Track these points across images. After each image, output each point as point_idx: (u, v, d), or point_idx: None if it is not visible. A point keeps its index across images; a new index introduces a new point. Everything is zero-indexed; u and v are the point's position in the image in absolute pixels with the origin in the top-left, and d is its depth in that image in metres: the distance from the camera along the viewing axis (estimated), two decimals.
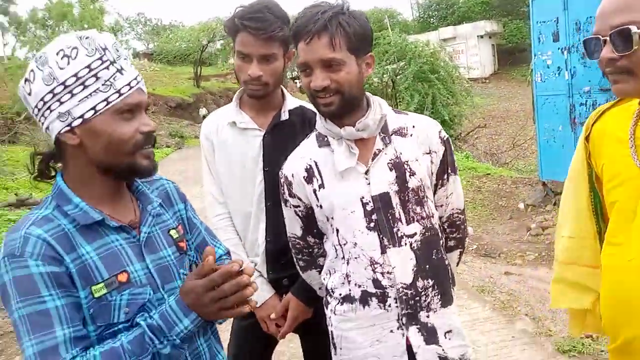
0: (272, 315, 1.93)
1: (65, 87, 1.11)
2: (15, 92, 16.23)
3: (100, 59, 1.13)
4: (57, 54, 1.12)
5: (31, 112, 1.18)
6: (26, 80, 1.15)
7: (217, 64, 33.19)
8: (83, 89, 1.12)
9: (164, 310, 1.15)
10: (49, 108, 1.13)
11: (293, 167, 1.64)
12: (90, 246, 1.16)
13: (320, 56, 1.46)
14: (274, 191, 1.89)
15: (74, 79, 1.11)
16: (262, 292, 1.95)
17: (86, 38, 1.14)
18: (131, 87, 1.17)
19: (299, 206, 1.66)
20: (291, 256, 1.92)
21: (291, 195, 1.66)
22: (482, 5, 32.26)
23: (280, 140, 1.91)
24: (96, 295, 1.14)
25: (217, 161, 1.99)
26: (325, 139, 1.60)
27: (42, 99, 1.13)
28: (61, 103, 1.12)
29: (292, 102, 2.00)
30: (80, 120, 1.13)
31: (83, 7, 17.27)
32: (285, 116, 1.95)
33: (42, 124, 1.16)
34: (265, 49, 1.79)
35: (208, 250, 1.17)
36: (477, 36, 28.72)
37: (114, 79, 1.14)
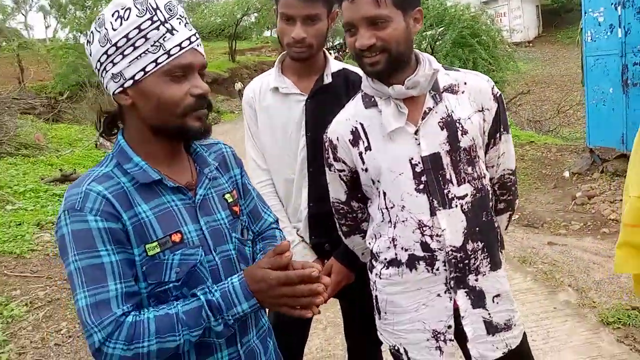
0: None
1: (117, 48, 1.11)
2: (58, 72, 16.83)
3: (150, 19, 1.11)
4: (112, 15, 1.11)
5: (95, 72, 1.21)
6: (87, 42, 1.17)
7: (251, 38, 33.18)
8: (133, 50, 1.11)
9: (226, 289, 1.14)
10: (104, 69, 1.14)
11: (338, 129, 1.59)
12: (147, 205, 1.16)
13: (364, 13, 1.39)
14: (317, 157, 1.87)
15: (125, 40, 1.11)
16: (305, 257, 1.95)
17: None
18: (182, 48, 1.13)
19: (343, 170, 1.62)
20: (333, 221, 1.90)
21: (336, 159, 1.61)
22: None
23: (323, 104, 1.87)
24: (150, 253, 1.15)
25: (259, 127, 1.97)
26: (372, 99, 1.54)
27: (98, 60, 1.15)
28: (114, 64, 1.13)
29: (334, 65, 1.95)
30: (131, 81, 1.13)
31: None
32: (328, 79, 1.90)
33: (103, 84, 1.19)
34: (309, 10, 1.74)
35: (284, 245, 1.16)
36: None
37: (163, 39, 1.11)
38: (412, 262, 1.53)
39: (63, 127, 12.99)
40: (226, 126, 15.16)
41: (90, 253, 1.08)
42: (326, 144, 1.62)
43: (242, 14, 28.82)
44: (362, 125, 1.55)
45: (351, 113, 1.58)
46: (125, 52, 1.11)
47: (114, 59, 1.12)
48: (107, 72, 1.14)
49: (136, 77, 1.12)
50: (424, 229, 1.50)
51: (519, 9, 27.42)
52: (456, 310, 1.53)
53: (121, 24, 1.10)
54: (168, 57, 1.12)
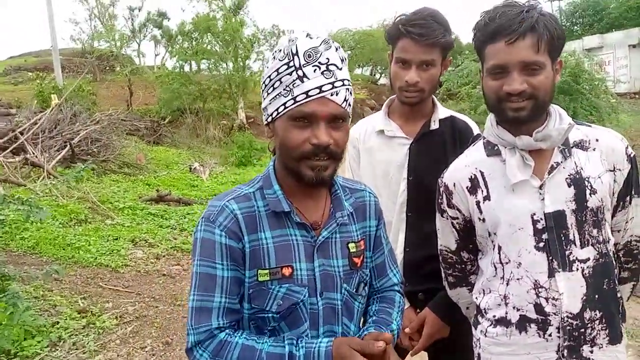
0: (407, 330, 1.84)
1: (265, 86, 1.22)
2: (163, 98, 18.01)
3: (287, 64, 1.16)
4: (273, 53, 1.20)
5: None
6: None
7: None
8: (272, 90, 1.20)
9: (311, 351, 1.15)
10: (263, 99, 1.25)
11: (455, 175, 1.54)
12: (271, 232, 1.22)
13: (522, 58, 1.34)
14: (416, 201, 1.84)
15: (269, 80, 1.20)
16: None
17: (291, 41, 1.18)
18: (309, 96, 1.15)
19: (457, 218, 1.56)
20: (430, 270, 1.83)
21: (450, 205, 1.55)
22: (637, 10, 28.86)
23: (428, 149, 1.86)
24: (260, 279, 1.20)
25: (360, 168, 1.97)
26: (495, 147, 1.49)
27: (262, 91, 1.26)
28: (264, 99, 1.24)
29: (442, 111, 1.93)
30: (270, 117, 1.22)
31: (225, 21, 18.51)
32: (435, 125, 1.88)
33: None
34: (425, 55, 1.75)
35: (387, 338, 1.16)
36: (629, 45, 25.96)
37: (293, 85, 1.16)
38: (522, 324, 1.43)
39: (162, 149, 13.81)
40: None
41: (209, 262, 1.19)
42: (441, 189, 1.58)
43: None
44: (482, 173, 1.49)
45: (471, 160, 1.53)
46: (269, 91, 1.21)
47: (263, 94, 1.23)
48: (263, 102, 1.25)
49: (273, 115, 1.20)
50: (540, 290, 1.40)
51: (626, 58, 25.91)
52: None
53: (272, 63, 1.19)
54: (294, 103, 1.16)
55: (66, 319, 3.93)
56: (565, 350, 1.39)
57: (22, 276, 3.98)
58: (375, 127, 1.95)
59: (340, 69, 1.19)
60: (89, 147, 10.33)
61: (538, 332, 1.41)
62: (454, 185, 1.53)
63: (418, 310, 1.88)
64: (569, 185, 1.39)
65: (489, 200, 1.46)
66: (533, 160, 1.41)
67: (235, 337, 1.17)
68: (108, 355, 3.57)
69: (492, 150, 1.50)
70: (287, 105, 1.17)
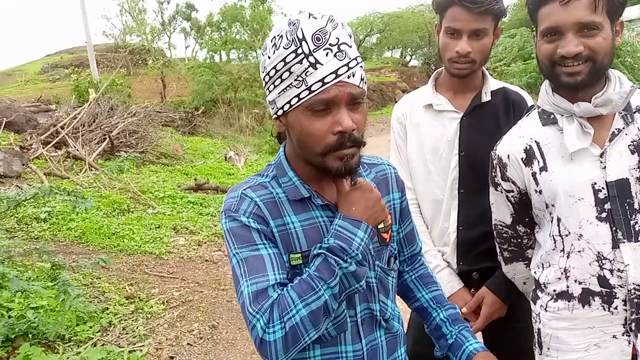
0: (464, 310, 1.80)
1: (270, 77, 1.12)
2: (195, 89, 18.23)
3: (294, 51, 1.05)
4: (271, 40, 1.10)
5: None
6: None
7: (372, 59, 33.51)
8: (281, 82, 1.10)
9: (334, 230, 1.12)
10: (266, 93, 1.17)
11: (509, 147, 1.48)
12: (297, 217, 1.17)
13: (578, 18, 1.28)
14: (469, 177, 1.78)
15: (274, 71, 1.10)
16: (450, 283, 1.85)
17: (293, 24, 1.07)
18: (325, 84, 1.05)
19: (512, 191, 1.51)
20: (484, 248, 1.78)
21: (504, 178, 1.50)
22: None
23: (480, 123, 1.79)
24: (292, 263, 1.16)
25: (408, 145, 1.92)
26: (552, 116, 1.42)
27: (264, 83, 1.17)
28: (269, 92, 1.14)
29: (493, 83, 1.86)
30: (281, 110, 1.13)
31: (253, 9, 18.52)
32: (486, 97, 1.81)
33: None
34: (477, 24, 1.68)
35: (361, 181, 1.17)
36: None
37: (305, 74, 1.05)
38: (585, 297, 1.38)
39: (197, 139, 14.01)
40: None
41: (249, 246, 1.13)
42: (494, 162, 1.52)
43: (365, 35, 29.29)
44: (537, 143, 1.43)
45: (525, 130, 1.47)
46: (276, 83, 1.11)
47: (269, 87, 1.13)
48: (267, 96, 1.16)
49: (284, 108, 1.11)
50: (604, 262, 1.34)
51: None
52: (634, 356, 1.35)
53: (274, 52, 1.08)
54: (310, 93, 1.06)
55: (115, 305, 4.04)
56: (633, 324, 1.34)
57: (72, 265, 4.10)
58: (423, 102, 1.88)
59: (351, 47, 1.09)
60: (127, 139, 10.55)
61: (602, 306, 1.36)
62: (508, 157, 1.48)
63: (472, 290, 1.84)
64: (633, 152, 1.33)
65: (546, 171, 1.41)
66: (592, 128, 1.34)
67: (284, 290, 1.09)
68: (157, 339, 3.66)
69: (547, 119, 1.43)
70: (301, 96, 1.07)
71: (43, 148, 8.84)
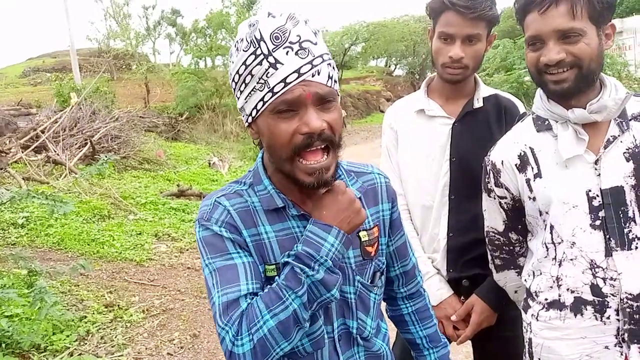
0: (453, 317, 1.77)
1: (235, 83, 1.07)
2: (179, 95, 18.11)
3: (253, 53, 1.00)
4: (234, 45, 1.05)
5: None
6: None
7: (356, 67, 33.71)
8: (245, 87, 1.04)
9: (305, 237, 1.06)
10: (237, 99, 1.11)
11: (503, 153, 1.46)
12: (271, 227, 1.12)
13: (556, 26, 1.28)
14: (460, 183, 1.76)
15: (237, 76, 1.05)
16: (440, 291, 1.82)
17: (252, 26, 1.02)
18: (287, 84, 0.99)
19: (504, 197, 1.48)
20: (474, 255, 1.76)
21: (497, 184, 1.48)
22: None
23: (472, 129, 1.77)
24: (268, 274, 1.11)
25: (399, 151, 1.90)
26: (546, 122, 1.41)
27: (233, 90, 1.12)
28: (238, 98, 1.09)
29: (485, 89, 1.85)
30: (250, 117, 1.08)
31: (239, 16, 18.48)
32: (478, 104, 1.80)
33: None
34: (471, 29, 1.67)
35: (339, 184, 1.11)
36: None
37: (266, 75, 1.00)
38: (577, 306, 1.35)
39: (181, 145, 13.87)
40: None
41: (222, 256, 1.08)
42: (488, 168, 1.50)
43: (350, 43, 29.44)
44: (532, 149, 1.41)
45: (520, 136, 1.45)
46: (241, 89, 1.06)
47: (236, 93, 1.08)
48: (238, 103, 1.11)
49: (252, 114, 1.06)
50: (597, 270, 1.32)
51: None
52: None
53: (236, 57, 1.04)
54: (273, 95, 1.00)
55: (93, 313, 3.94)
56: (626, 334, 1.31)
57: (49, 271, 3.99)
58: (415, 107, 1.86)
59: (316, 44, 1.02)
60: (109, 144, 10.39)
61: (595, 315, 1.33)
62: (502, 163, 1.46)
63: (462, 298, 1.81)
64: (628, 160, 1.31)
65: (540, 177, 1.39)
66: (587, 135, 1.33)
67: (253, 300, 1.05)
68: (136, 349, 3.56)
69: (542, 125, 1.42)
70: (265, 99, 1.01)
71: (22, 152, 8.66)
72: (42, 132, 9.57)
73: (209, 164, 11.77)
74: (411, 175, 1.86)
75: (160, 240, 6.11)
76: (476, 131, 1.76)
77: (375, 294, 1.25)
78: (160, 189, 8.68)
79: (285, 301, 1.00)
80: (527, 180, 1.41)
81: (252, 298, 1.05)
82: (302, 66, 1.00)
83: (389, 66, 34.42)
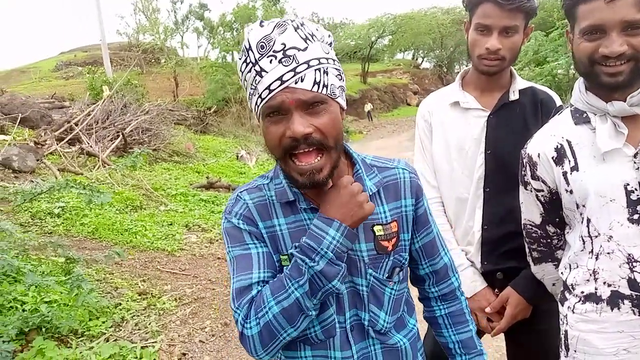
0: (488, 309, 1.77)
1: (245, 88, 1.16)
2: (208, 89, 18.33)
3: (245, 61, 1.07)
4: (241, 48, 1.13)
5: None
6: None
7: (383, 60, 33.47)
8: (246, 90, 1.15)
9: (309, 230, 1.12)
10: None
11: (540, 146, 1.45)
12: (285, 219, 1.20)
13: (623, 17, 1.25)
14: (495, 176, 1.76)
15: (241, 80, 1.15)
16: (474, 283, 1.82)
17: (247, 33, 1.08)
18: (271, 91, 1.04)
19: (542, 190, 1.48)
20: (509, 248, 1.76)
21: (534, 177, 1.48)
22: None
23: (507, 121, 1.76)
24: (283, 263, 1.18)
25: (433, 143, 1.90)
26: (584, 115, 1.40)
27: None
28: (250, 102, 1.16)
29: (521, 82, 1.83)
30: (256, 116, 1.15)
31: (265, 10, 18.56)
32: (514, 96, 1.78)
33: None
34: (508, 21, 1.65)
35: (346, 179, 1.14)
36: None
37: (255, 82, 1.07)
38: (614, 300, 1.34)
39: (209, 138, 14.06)
40: (354, 146, 15.29)
41: (240, 245, 1.18)
42: (524, 160, 1.50)
43: (377, 36, 29.25)
44: (569, 142, 1.40)
45: (557, 129, 1.44)
46: (247, 91, 1.15)
47: (247, 95, 1.17)
48: None
49: (257, 115, 1.14)
50: (634, 264, 1.31)
51: None
52: None
53: (239, 61, 1.13)
54: (261, 101, 1.06)
55: (128, 301, 4.05)
56: None
57: (86, 259, 4.11)
58: (449, 99, 1.86)
59: (305, 49, 1.05)
60: (140, 136, 10.61)
61: (632, 309, 1.32)
62: (539, 155, 1.45)
63: (496, 291, 1.81)
64: None
65: (577, 170, 1.37)
66: (626, 128, 1.31)
67: (263, 288, 1.13)
68: (169, 336, 3.65)
69: (580, 118, 1.40)
70: (257, 104, 1.08)
71: (57, 144, 8.90)
72: (76, 124, 9.82)
73: (237, 156, 11.90)
74: (445, 168, 1.86)
75: (191, 230, 6.22)
76: (512, 124, 1.75)
77: (392, 289, 1.25)
78: (190, 181, 8.83)
79: (287, 289, 1.08)
80: (564, 173, 1.40)
81: (264, 285, 1.13)
82: (284, 74, 1.04)
83: (416, 59, 34.07)
